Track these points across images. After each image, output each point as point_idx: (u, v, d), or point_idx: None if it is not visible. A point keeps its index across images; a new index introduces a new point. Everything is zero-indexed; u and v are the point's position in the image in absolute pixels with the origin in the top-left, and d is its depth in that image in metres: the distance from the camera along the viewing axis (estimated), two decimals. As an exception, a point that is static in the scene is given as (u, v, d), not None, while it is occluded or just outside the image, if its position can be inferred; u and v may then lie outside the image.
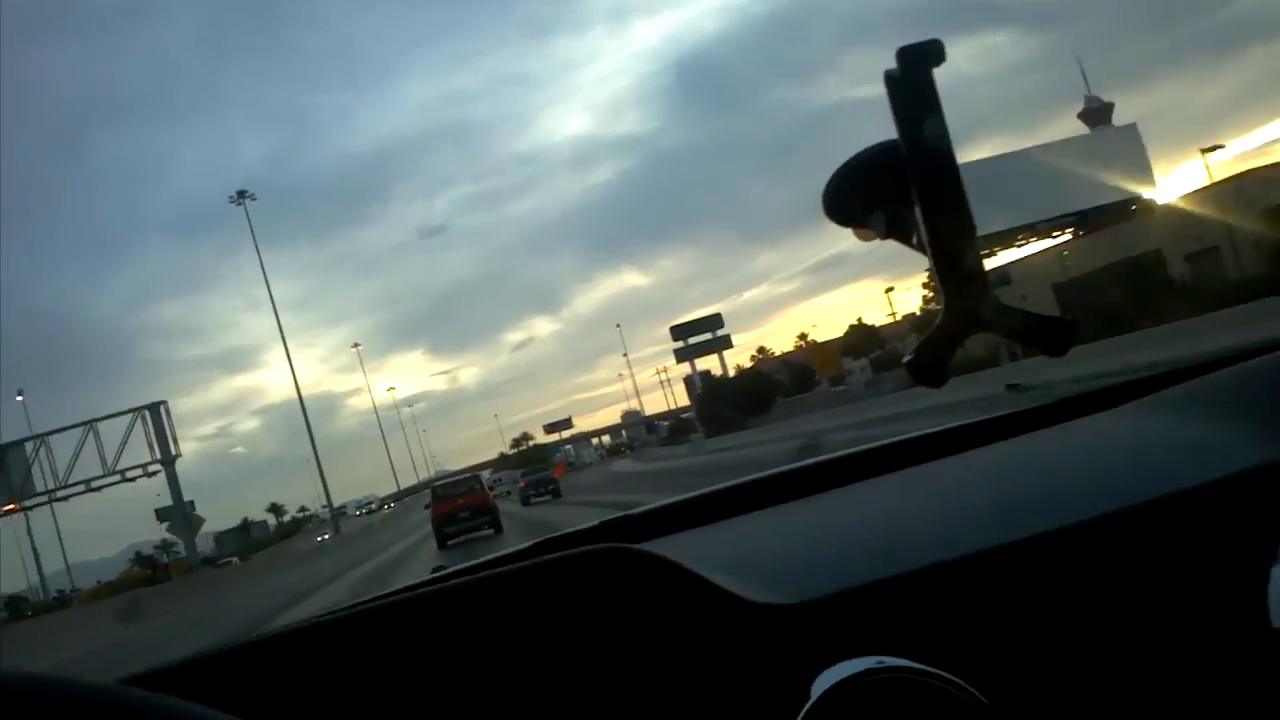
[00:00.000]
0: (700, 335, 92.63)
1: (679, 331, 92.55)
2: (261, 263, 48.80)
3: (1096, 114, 55.82)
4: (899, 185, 0.70)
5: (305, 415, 50.12)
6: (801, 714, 0.62)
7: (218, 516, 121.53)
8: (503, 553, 1.05)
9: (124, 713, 0.28)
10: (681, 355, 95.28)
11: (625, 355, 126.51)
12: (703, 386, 73.85)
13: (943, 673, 0.62)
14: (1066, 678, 0.69)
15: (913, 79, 0.69)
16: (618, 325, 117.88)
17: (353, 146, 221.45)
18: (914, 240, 0.72)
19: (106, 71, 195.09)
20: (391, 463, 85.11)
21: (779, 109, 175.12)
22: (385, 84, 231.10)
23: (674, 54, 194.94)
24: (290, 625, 0.73)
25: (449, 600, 0.72)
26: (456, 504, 22.80)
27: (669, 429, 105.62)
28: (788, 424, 38.44)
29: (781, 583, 0.74)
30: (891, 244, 0.74)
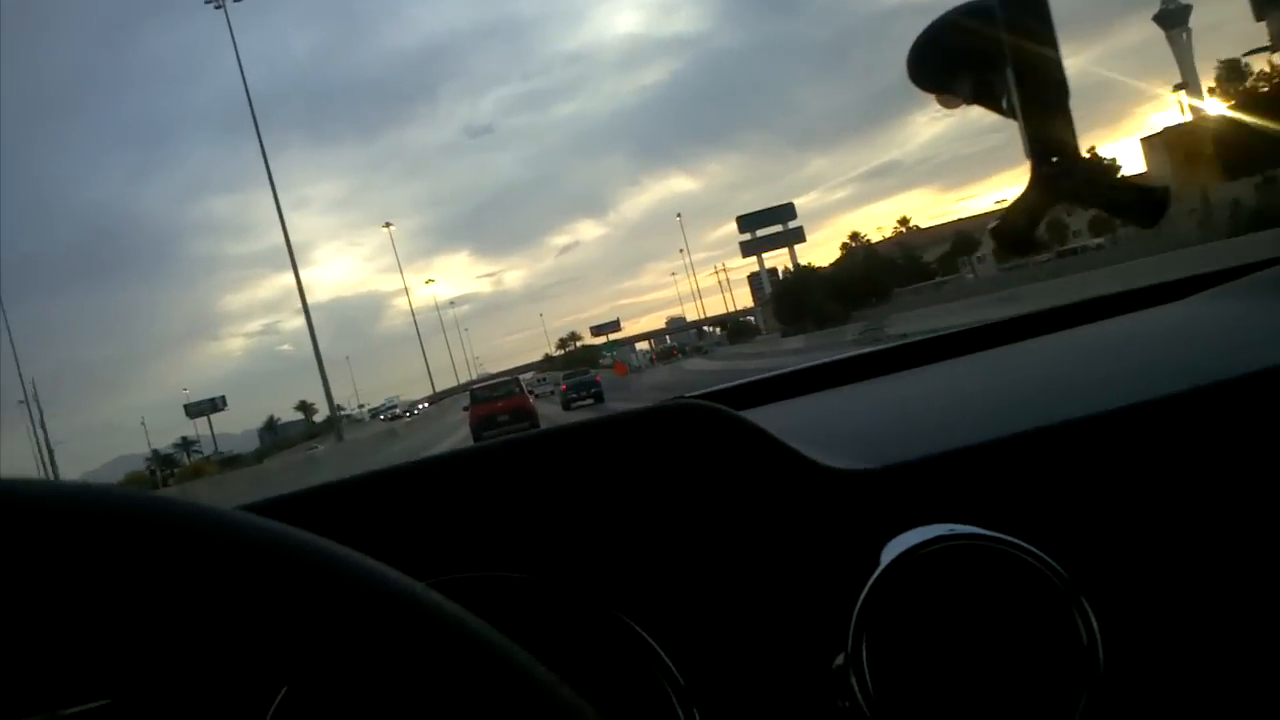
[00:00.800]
0: (770, 227, 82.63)
1: (746, 222, 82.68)
2: (252, 108, 39.56)
3: (1173, 16, 54.57)
4: (989, 47, 0.66)
5: (305, 306, 41.07)
6: (871, 579, 0.61)
7: (264, 413, 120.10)
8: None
9: (240, 536, 0.29)
10: (748, 249, 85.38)
11: (683, 251, 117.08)
12: (788, 276, 63.25)
13: (1016, 539, 0.61)
14: (1148, 554, 0.67)
15: None
16: (678, 215, 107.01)
17: (400, 42, 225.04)
18: (1003, 105, 0.69)
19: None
20: (427, 364, 78.18)
21: (835, 10, 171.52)
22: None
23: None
24: (377, 470, 0.73)
25: (534, 447, 0.71)
26: (495, 406, 21.83)
27: (728, 331, 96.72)
28: (921, 317, 28.77)
29: (856, 450, 0.73)
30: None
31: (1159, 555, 0.66)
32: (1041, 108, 0.66)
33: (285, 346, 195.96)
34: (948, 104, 0.72)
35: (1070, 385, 0.84)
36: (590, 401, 33.73)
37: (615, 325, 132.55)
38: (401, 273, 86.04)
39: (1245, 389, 0.70)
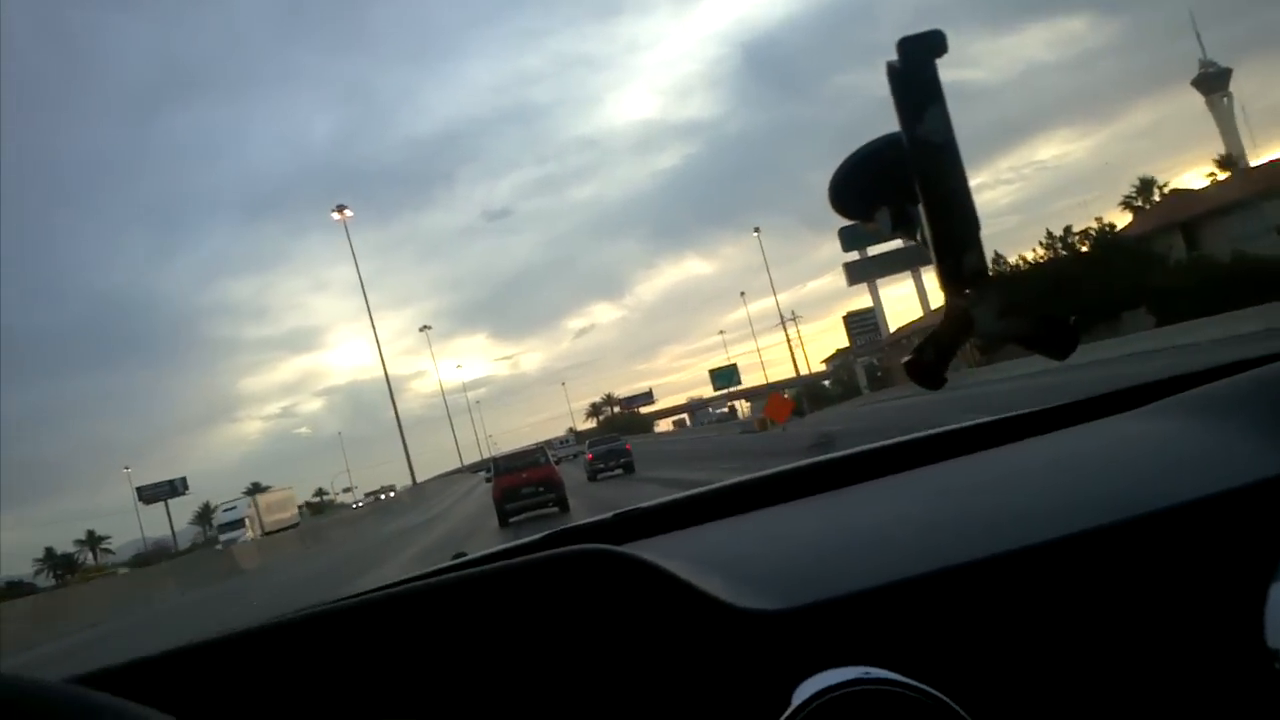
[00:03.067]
0: (888, 243, 61.23)
1: (851, 237, 61.55)
2: None
3: (1213, 80, 53.61)
4: (904, 181, 0.67)
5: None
6: None
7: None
8: (511, 544, 1.08)
9: (71, 715, 0.26)
10: (855, 274, 63.13)
11: (743, 294, 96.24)
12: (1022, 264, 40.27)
13: (927, 688, 0.61)
14: (1056, 695, 0.67)
15: (914, 71, 0.66)
16: (756, 231, 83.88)
17: (419, 127, 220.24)
18: (919, 237, 0.70)
19: (178, 45, 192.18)
20: (406, 450, 56.92)
21: (846, 94, 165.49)
22: (451, 63, 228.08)
23: (741, 36, 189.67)
24: (255, 625, 0.69)
25: (422, 601, 0.70)
26: (520, 478, 20.61)
27: (804, 397, 74.63)
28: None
29: (774, 586, 0.73)
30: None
31: (1068, 697, 0.66)
32: (953, 242, 0.66)
33: (303, 429, 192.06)
34: (873, 232, 0.73)
35: (987, 515, 0.83)
36: (620, 472, 29.64)
37: (649, 397, 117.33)
38: (368, 301, 64.08)
39: (1161, 524, 0.71)
